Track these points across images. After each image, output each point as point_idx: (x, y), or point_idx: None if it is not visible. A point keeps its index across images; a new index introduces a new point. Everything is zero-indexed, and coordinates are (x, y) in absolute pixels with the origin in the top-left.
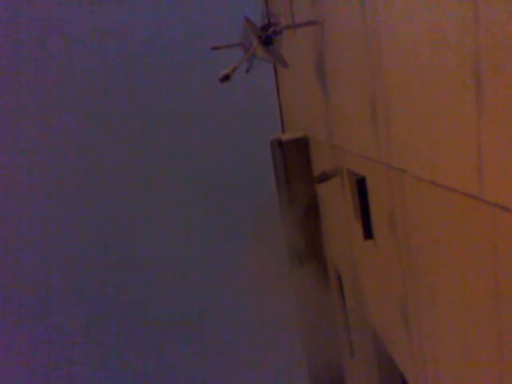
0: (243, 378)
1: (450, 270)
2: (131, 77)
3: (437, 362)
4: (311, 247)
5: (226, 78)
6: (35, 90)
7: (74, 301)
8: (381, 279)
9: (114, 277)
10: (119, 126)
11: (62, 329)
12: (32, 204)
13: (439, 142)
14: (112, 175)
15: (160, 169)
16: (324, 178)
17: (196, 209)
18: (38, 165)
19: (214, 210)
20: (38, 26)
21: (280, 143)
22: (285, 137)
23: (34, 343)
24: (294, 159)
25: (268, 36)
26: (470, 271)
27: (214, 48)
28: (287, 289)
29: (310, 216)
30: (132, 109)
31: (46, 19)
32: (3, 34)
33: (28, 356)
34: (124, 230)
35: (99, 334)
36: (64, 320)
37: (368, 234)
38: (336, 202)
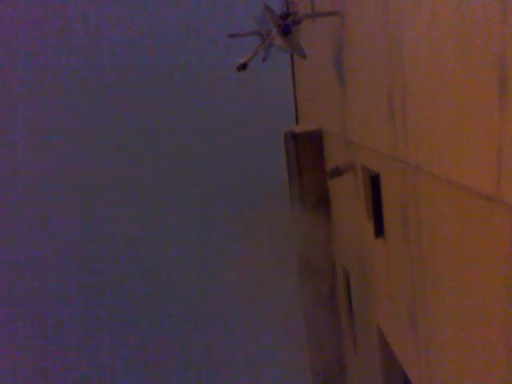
0: (246, 376)
1: (462, 272)
2: (147, 65)
3: (443, 364)
4: (320, 242)
5: (243, 66)
6: (32, 90)
7: (70, 302)
8: (390, 278)
9: (118, 277)
10: (135, 114)
11: (57, 339)
12: (31, 207)
13: (458, 141)
14: (122, 166)
15: (171, 160)
16: (337, 172)
17: (205, 201)
18: (36, 166)
19: (224, 201)
20: (34, 27)
21: (293, 135)
22: (298, 129)
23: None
24: (307, 152)
25: (287, 25)
26: (483, 274)
27: (231, 36)
28: (294, 284)
29: (321, 211)
30: (145, 97)
31: (43, 19)
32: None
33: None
34: (129, 227)
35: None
36: (60, 328)
37: (379, 231)
38: (348, 198)
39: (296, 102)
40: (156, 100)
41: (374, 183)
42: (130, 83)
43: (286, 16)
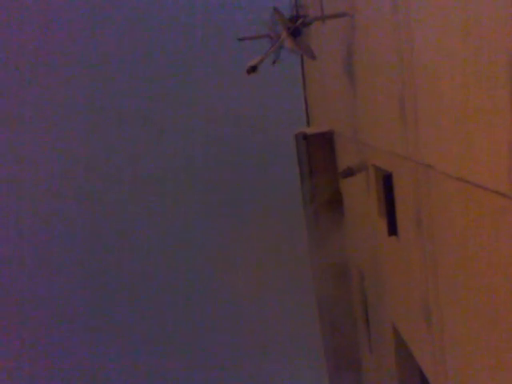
0: (263, 371)
1: (475, 269)
2: (156, 68)
3: (457, 359)
4: (333, 242)
5: (253, 69)
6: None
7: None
8: (403, 276)
9: (129, 275)
10: (145, 113)
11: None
12: (35, 202)
13: (469, 139)
14: (134, 165)
15: (181, 160)
16: (349, 173)
17: (217, 202)
18: (40, 163)
19: (236, 202)
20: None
21: (305, 137)
22: (310, 130)
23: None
24: (319, 153)
25: (297, 27)
26: (496, 270)
27: (240, 39)
28: (308, 283)
29: (333, 211)
30: (156, 100)
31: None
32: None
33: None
34: (139, 225)
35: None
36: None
37: (392, 230)
38: (360, 198)
39: (307, 104)
40: (166, 103)
41: (387, 183)
42: (141, 84)
43: (295, 19)
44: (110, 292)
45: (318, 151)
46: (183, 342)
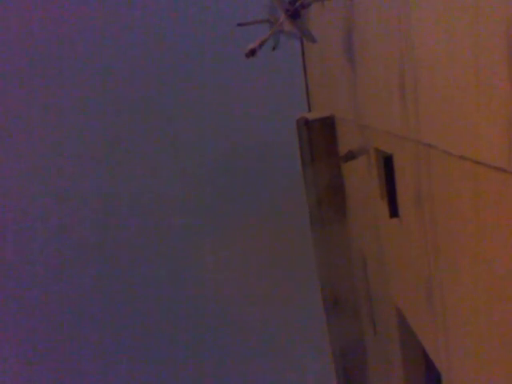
0: (268, 356)
1: (477, 248)
2: (156, 57)
3: (460, 339)
4: (335, 226)
5: (252, 53)
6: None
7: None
8: (406, 257)
9: (136, 278)
10: (150, 105)
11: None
12: (41, 203)
13: (469, 116)
14: (138, 158)
15: (183, 148)
16: (350, 157)
17: (218, 189)
18: (44, 163)
19: (237, 190)
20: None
21: (306, 122)
22: (311, 116)
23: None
24: (320, 139)
25: (296, 9)
26: (499, 247)
27: (240, 24)
28: (311, 269)
29: (335, 196)
30: (158, 86)
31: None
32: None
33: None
34: (143, 225)
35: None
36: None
37: (394, 212)
38: (362, 181)
39: (307, 88)
40: (165, 90)
41: (388, 164)
42: (143, 73)
43: (294, 0)
44: (115, 292)
45: (320, 136)
46: (189, 337)
